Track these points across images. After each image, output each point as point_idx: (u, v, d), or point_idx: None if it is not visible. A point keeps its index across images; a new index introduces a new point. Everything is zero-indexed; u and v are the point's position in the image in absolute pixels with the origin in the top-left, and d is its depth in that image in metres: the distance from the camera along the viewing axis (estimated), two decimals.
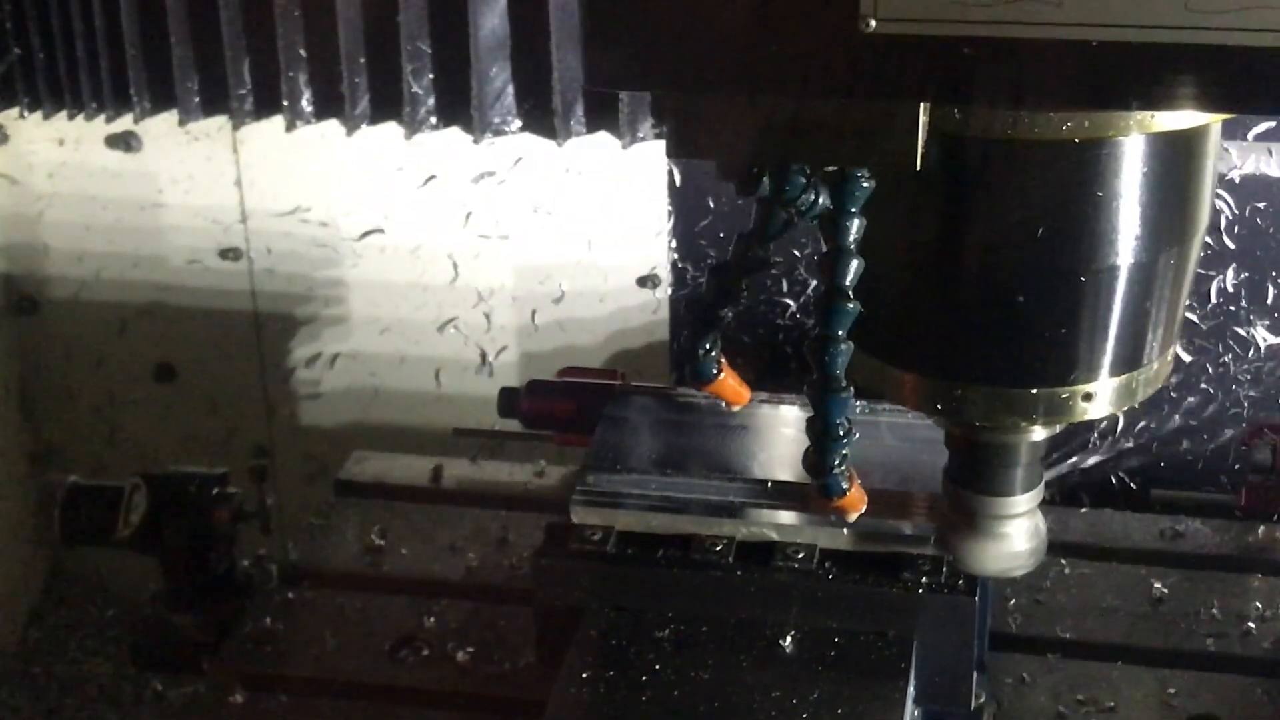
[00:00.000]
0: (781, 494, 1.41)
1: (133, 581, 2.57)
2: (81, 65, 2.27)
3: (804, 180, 1.06)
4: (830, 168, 1.06)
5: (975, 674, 1.37)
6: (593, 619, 1.36)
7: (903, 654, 1.31)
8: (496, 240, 2.33)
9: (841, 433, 1.15)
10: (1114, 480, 1.89)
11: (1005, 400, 1.15)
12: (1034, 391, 1.14)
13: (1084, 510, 1.77)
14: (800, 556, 1.35)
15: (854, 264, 1.07)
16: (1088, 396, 1.15)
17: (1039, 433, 1.21)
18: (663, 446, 1.48)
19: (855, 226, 1.07)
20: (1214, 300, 1.81)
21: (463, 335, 2.40)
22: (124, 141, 2.42)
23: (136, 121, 2.30)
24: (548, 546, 1.40)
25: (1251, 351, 1.83)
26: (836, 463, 1.17)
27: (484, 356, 2.42)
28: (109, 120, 2.31)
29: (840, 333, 1.09)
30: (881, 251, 1.12)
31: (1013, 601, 1.60)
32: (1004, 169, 1.06)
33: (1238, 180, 1.76)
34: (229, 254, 2.47)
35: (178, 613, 1.66)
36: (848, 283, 1.07)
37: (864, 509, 1.27)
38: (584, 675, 1.30)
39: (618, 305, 2.30)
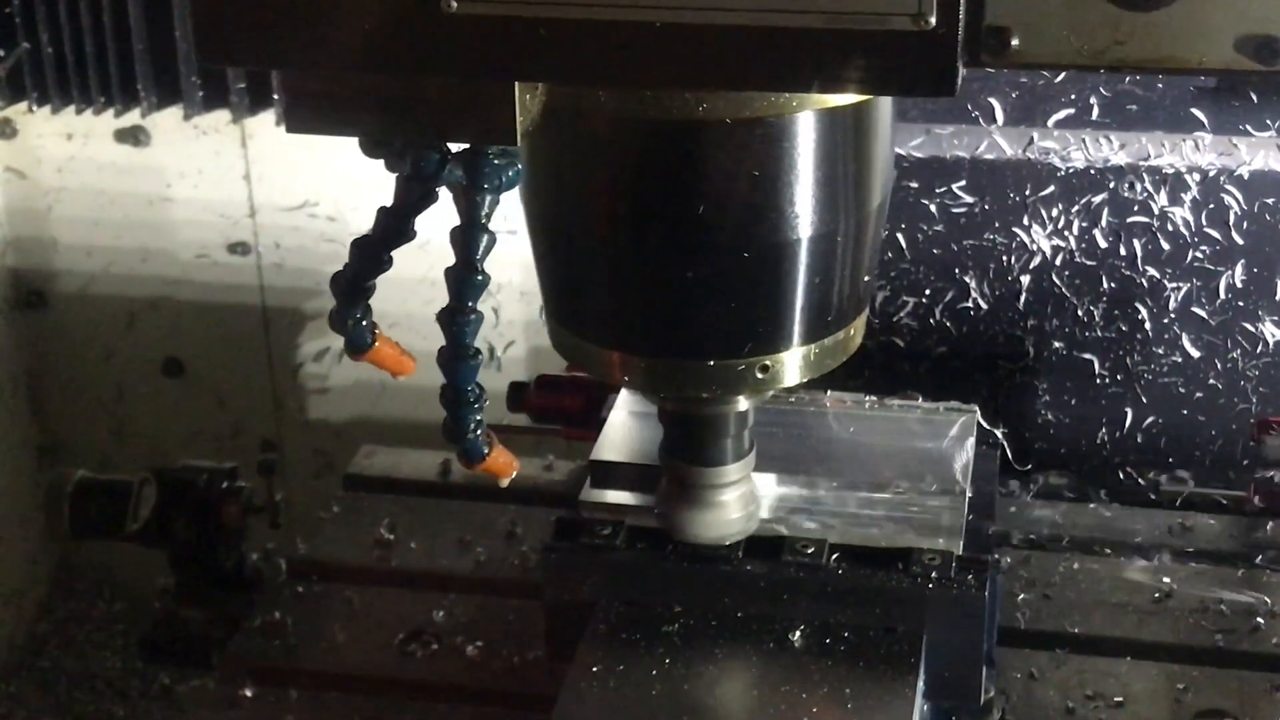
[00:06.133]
0: (788, 488, 1.42)
1: (141, 575, 2.57)
2: (89, 60, 2.27)
3: (438, 157, 1.09)
4: (449, 144, 1.10)
5: (984, 669, 1.37)
6: (602, 613, 1.36)
7: (912, 649, 1.31)
8: (505, 235, 2.31)
9: (473, 399, 1.18)
10: (1122, 475, 1.89)
11: (684, 373, 1.19)
12: (710, 364, 1.18)
13: (1092, 505, 1.77)
14: (809, 551, 1.35)
15: (485, 239, 1.11)
16: (764, 368, 1.19)
17: (743, 403, 1.25)
18: None
19: (488, 203, 1.10)
20: (1222, 296, 1.80)
21: None
22: (133, 136, 2.42)
23: (144, 116, 2.30)
24: (557, 541, 1.40)
25: (1260, 347, 1.82)
26: (472, 428, 1.19)
27: (492, 351, 2.42)
28: (117, 115, 2.32)
29: (470, 304, 1.13)
30: (571, 229, 1.18)
31: (1021, 596, 1.60)
32: (661, 150, 1.10)
33: (1246, 176, 1.76)
34: (237, 249, 2.47)
35: (186, 607, 1.66)
36: (479, 257, 1.12)
37: (515, 473, 1.28)
38: (594, 669, 1.30)
39: None
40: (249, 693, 1.53)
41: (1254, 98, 1.76)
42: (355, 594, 1.66)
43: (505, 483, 1.29)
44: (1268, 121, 1.76)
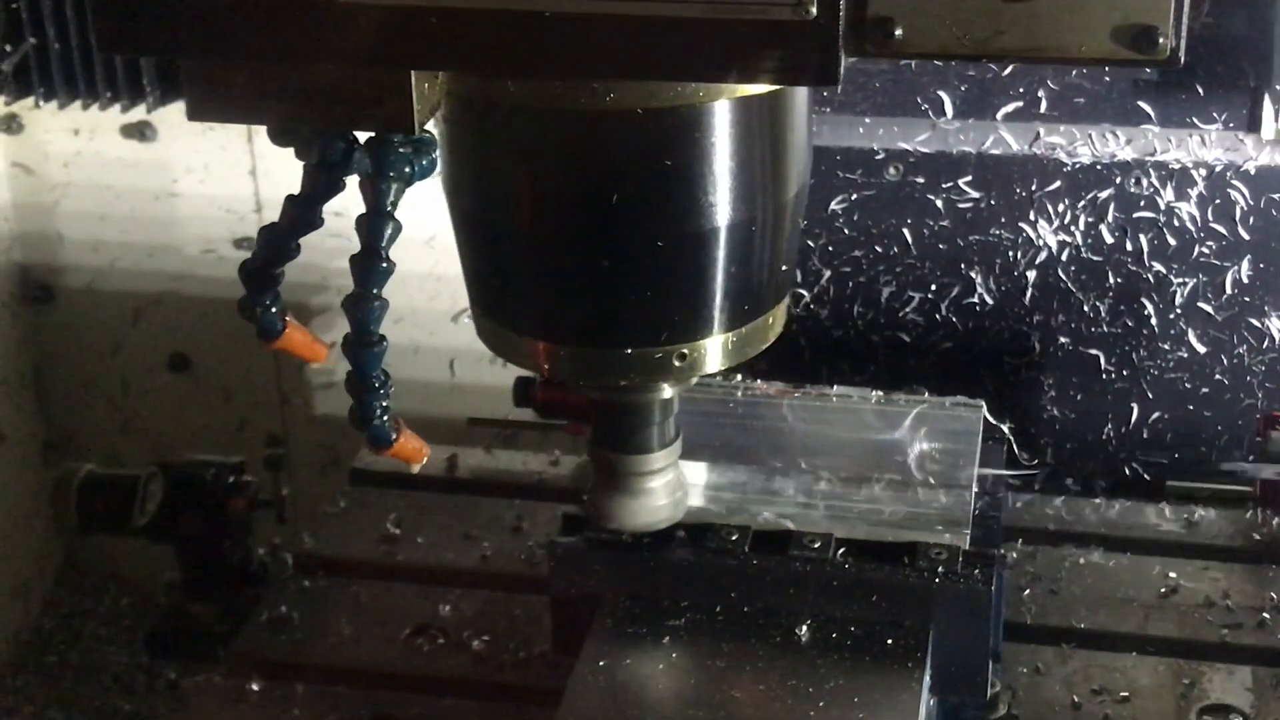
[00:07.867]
0: (795, 483, 1.42)
1: (148, 570, 2.57)
2: (96, 55, 2.27)
3: (344, 145, 1.09)
4: (352, 132, 1.10)
5: (990, 663, 1.37)
6: (608, 608, 1.36)
7: (919, 643, 1.31)
8: None
9: (378, 384, 1.17)
10: (1128, 471, 1.89)
11: (604, 361, 1.19)
12: (628, 352, 1.18)
13: (1098, 501, 1.77)
14: (816, 545, 1.35)
15: (390, 227, 1.11)
16: (683, 356, 1.19)
17: (666, 391, 1.25)
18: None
19: (394, 191, 1.10)
20: (1229, 291, 1.80)
21: None
22: (139, 131, 2.42)
23: (150, 111, 2.30)
24: (564, 535, 1.40)
25: (1266, 342, 1.82)
26: (378, 413, 1.19)
27: None
28: (123, 110, 2.32)
29: (375, 290, 1.13)
30: (488, 219, 1.17)
31: (1027, 592, 1.60)
32: (573, 140, 1.10)
33: (1253, 172, 1.76)
34: (244, 243, 2.47)
35: (193, 601, 1.66)
36: (383, 245, 1.11)
37: (426, 459, 1.28)
38: (600, 663, 1.30)
39: None
40: (255, 687, 1.54)
41: (1200, 90, 1.76)
42: (362, 589, 1.66)
43: (416, 468, 1.29)
44: (1214, 114, 1.77)
